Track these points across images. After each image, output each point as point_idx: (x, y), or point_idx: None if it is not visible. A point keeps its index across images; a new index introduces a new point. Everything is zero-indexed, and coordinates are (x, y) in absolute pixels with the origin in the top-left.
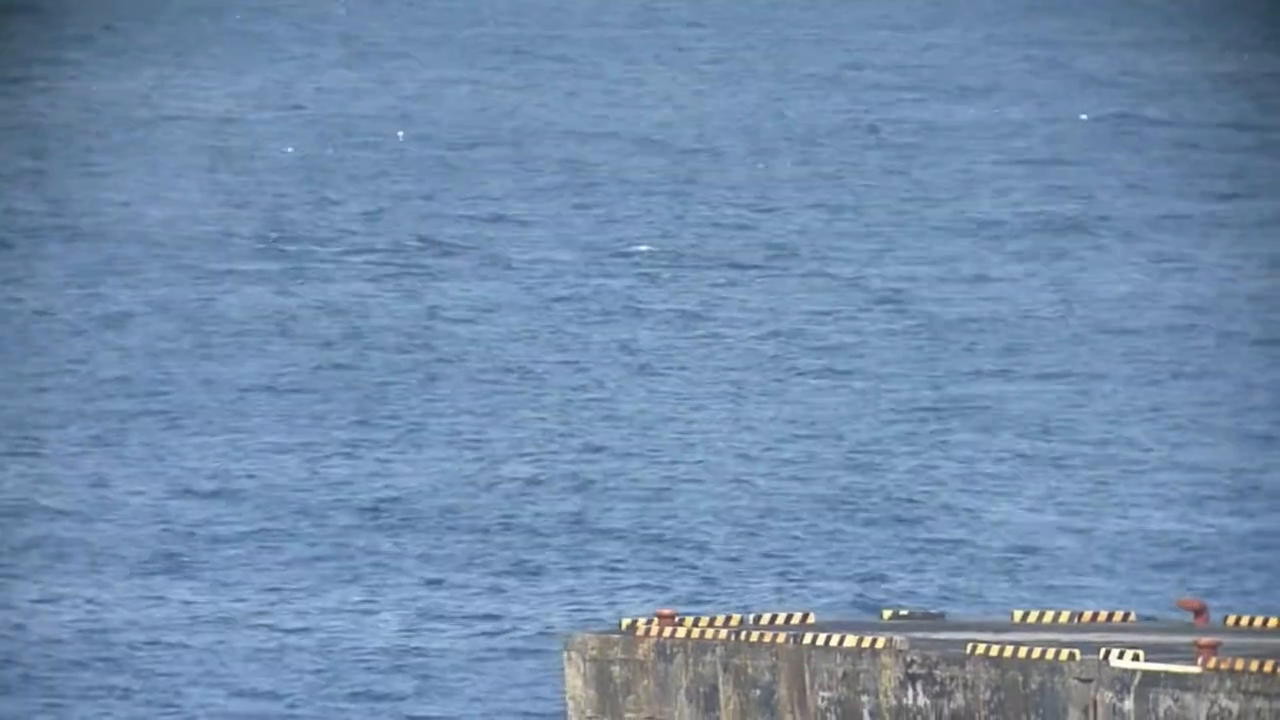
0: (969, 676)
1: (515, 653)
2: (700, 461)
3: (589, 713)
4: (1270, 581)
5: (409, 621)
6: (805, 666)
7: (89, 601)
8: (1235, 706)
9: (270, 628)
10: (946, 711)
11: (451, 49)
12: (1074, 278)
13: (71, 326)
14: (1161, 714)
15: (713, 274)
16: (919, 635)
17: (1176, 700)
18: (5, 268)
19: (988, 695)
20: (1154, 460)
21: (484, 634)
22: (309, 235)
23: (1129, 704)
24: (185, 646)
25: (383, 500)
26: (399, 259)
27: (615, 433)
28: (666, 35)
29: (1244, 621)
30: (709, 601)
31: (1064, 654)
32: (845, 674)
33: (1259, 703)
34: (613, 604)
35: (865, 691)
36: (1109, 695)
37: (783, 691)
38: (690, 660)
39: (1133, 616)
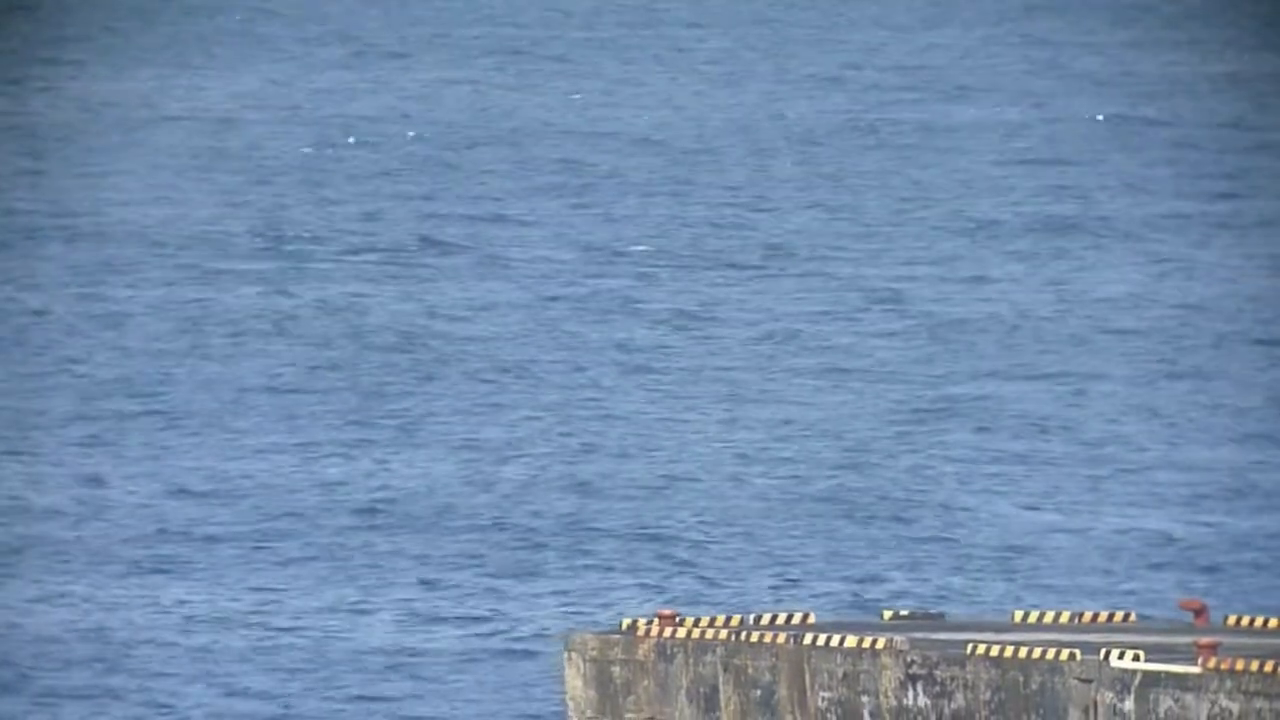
0: (969, 677)
1: (512, 654)
2: (698, 461)
3: (589, 713)
4: (1270, 581)
5: (405, 622)
6: (806, 667)
7: (85, 600)
8: (1235, 707)
9: (266, 627)
10: (947, 712)
11: (450, 49)
12: (1072, 278)
13: (70, 326)
14: (1162, 714)
15: (711, 274)
16: (919, 636)
17: (1177, 700)
18: (4, 268)
19: (988, 695)
20: (1152, 460)
21: (480, 634)
22: (308, 235)
23: (1129, 704)
24: (181, 646)
25: (379, 500)
26: (397, 259)
27: (613, 432)
28: (666, 35)
29: (1244, 621)
30: (708, 602)
31: (1064, 654)
32: (846, 674)
33: (1259, 703)
34: (610, 605)
35: (866, 692)
36: (1109, 695)
37: (783, 692)
38: (690, 660)
39: (1133, 617)
